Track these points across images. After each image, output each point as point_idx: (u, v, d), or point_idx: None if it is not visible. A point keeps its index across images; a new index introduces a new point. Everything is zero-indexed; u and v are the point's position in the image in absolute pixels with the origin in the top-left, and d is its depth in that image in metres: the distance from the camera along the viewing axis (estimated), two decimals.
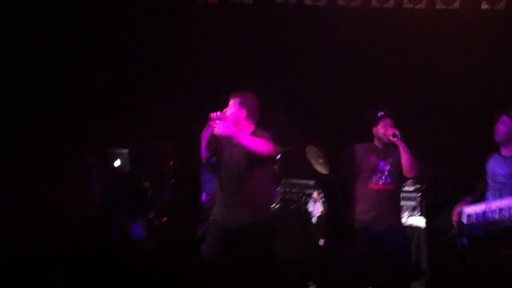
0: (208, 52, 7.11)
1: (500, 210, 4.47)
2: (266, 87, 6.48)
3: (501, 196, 4.55)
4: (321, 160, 6.33)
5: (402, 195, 6.10)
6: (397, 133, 5.19)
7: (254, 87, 4.89)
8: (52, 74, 7.06)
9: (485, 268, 4.50)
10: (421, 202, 6.25)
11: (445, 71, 6.85)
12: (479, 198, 4.75)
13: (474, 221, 4.57)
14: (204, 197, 6.32)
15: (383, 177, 5.26)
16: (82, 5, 7.12)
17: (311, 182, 6.50)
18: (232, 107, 4.51)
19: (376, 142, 5.39)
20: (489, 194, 4.70)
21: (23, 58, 7.01)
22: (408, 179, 5.89)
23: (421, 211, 6.24)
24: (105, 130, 6.72)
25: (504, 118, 4.63)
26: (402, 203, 6.12)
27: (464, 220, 4.67)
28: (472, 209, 4.65)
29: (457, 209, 4.80)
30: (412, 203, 6.23)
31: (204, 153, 4.57)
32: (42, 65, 7.02)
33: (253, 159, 4.40)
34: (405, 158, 5.17)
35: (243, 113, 4.50)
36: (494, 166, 4.72)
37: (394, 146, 5.24)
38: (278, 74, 7.13)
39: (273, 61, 7.13)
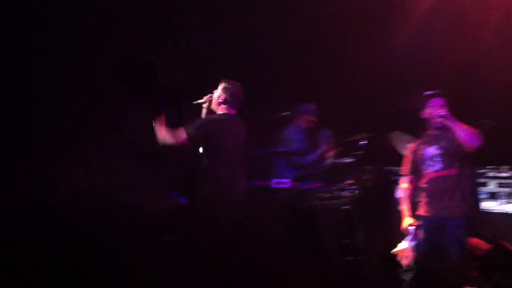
0: None
1: None
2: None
3: None
4: (407, 144, 5.65)
5: (497, 181, 5.90)
6: (442, 114, 4.84)
7: None
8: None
9: None
10: None
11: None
12: None
13: None
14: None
15: (434, 164, 4.91)
16: None
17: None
18: (218, 90, 5.16)
19: (428, 129, 5.01)
20: None
21: None
22: (469, 155, 4.95)
23: None
24: None
25: None
26: (497, 189, 5.85)
27: None
28: None
29: None
30: (508, 189, 5.96)
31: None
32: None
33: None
34: (459, 132, 4.77)
35: (223, 97, 5.11)
36: None
37: (447, 128, 4.85)
38: None
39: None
